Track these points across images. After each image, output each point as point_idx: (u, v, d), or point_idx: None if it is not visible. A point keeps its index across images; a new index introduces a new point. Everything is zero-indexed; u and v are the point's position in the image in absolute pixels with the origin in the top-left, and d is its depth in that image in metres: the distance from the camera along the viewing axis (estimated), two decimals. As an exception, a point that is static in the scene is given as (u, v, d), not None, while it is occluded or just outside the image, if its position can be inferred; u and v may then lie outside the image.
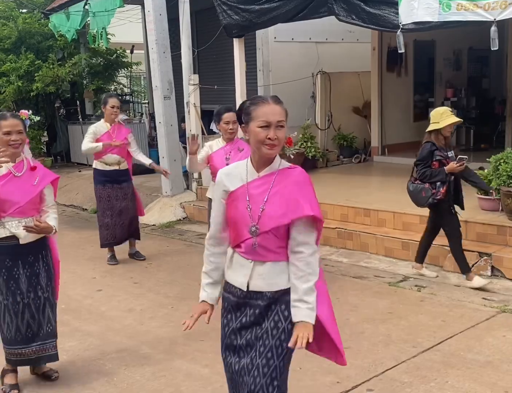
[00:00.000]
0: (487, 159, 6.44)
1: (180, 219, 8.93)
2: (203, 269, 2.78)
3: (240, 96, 9.24)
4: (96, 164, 6.82)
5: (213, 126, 11.48)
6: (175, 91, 9.46)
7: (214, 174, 5.02)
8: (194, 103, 9.38)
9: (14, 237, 3.77)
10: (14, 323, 3.85)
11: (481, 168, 7.03)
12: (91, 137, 6.58)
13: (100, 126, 6.70)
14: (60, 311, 5.34)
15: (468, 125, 11.25)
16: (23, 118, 4.14)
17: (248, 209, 2.53)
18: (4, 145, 3.68)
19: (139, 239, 7.15)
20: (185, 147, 10.10)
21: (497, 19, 5.91)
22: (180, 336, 4.62)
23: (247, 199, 2.54)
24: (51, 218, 3.81)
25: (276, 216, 2.49)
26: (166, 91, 9.28)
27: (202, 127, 9.60)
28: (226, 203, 2.60)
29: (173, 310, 5.27)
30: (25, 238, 3.77)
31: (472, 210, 6.54)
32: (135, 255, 7.07)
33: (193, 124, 9.48)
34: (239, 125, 2.70)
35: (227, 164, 4.43)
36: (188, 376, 4.00)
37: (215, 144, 5.29)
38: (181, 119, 10.50)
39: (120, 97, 15.39)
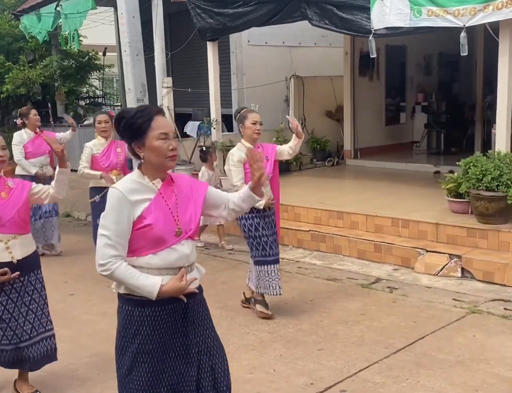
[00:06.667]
0: (457, 163, 6.55)
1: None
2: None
3: (214, 99, 9.25)
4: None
5: (187, 129, 11.50)
6: (148, 94, 9.42)
7: None
8: (168, 106, 9.36)
9: None
10: None
11: (451, 171, 7.14)
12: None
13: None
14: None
15: (438, 129, 11.44)
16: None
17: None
18: None
19: None
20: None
21: (467, 25, 6.05)
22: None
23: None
24: None
25: None
26: (139, 94, 9.23)
27: (176, 130, 9.58)
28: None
29: (147, 314, 5.23)
30: None
31: (442, 212, 6.65)
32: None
33: (166, 127, 9.44)
34: None
35: None
36: (162, 380, 3.98)
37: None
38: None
39: (92, 100, 15.40)
